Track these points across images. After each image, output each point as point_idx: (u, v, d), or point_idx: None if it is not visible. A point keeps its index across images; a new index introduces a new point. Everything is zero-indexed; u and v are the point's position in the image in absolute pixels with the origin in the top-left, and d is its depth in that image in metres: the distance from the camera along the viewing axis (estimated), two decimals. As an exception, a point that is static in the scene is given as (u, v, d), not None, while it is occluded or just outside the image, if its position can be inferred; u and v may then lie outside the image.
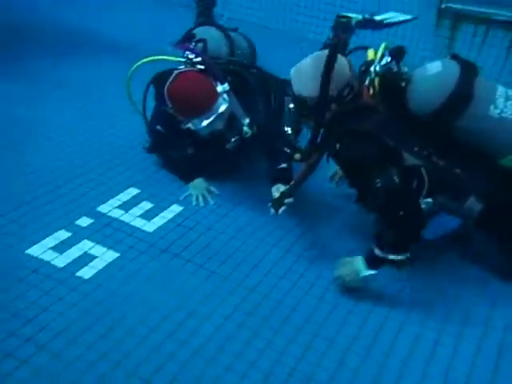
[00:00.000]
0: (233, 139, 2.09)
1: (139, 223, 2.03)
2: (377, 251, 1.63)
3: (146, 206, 2.13)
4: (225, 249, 1.94)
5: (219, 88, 1.99)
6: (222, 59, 2.23)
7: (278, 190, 1.97)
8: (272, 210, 1.90)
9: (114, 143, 2.53)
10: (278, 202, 1.89)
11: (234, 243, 1.97)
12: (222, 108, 1.99)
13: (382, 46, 1.65)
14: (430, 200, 1.67)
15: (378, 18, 2.17)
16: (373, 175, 1.56)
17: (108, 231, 1.96)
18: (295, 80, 1.61)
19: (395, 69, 1.59)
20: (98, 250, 1.87)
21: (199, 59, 2.03)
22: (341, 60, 1.53)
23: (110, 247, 1.88)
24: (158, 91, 2.17)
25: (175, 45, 2.19)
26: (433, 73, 1.59)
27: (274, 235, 2.03)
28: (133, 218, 2.05)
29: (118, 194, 2.17)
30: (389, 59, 1.58)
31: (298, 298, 1.74)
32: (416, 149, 1.61)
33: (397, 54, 1.59)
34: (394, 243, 1.62)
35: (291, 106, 1.67)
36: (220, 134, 2.09)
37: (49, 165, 2.31)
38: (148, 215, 2.07)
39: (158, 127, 2.23)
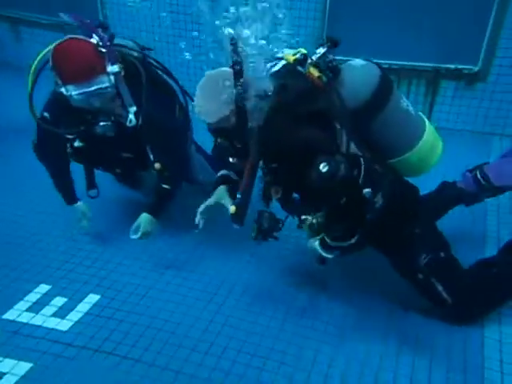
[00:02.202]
0: (102, 123, 2.02)
1: (52, 323, 1.91)
2: (329, 241, 1.72)
3: (59, 302, 2.02)
4: (147, 332, 1.87)
5: (108, 68, 1.92)
6: (130, 49, 2.17)
7: (219, 198, 1.87)
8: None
9: (17, 238, 2.41)
10: (238, 214, 1.72)
11: (156, 324, 1.91)
12: (103, 85, 1.91)
13: (301, 50, 1.68)
14: (368, 190, 1.61)
15: None
16: (314, 161, 1.53)
17: (17, 340, 1.83)
18: (207, 113, 1.62)
19: (330, 57, 1.65)
20: (6, 364, 1.72)
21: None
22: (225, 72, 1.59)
23: (20, 358, 1.75)
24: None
25: (71, 15, 2.06)
26: (361, 64, 1.69)
27: (203, 309, 2.00)
28: (45, 318, 1.93)
29: (26, 295, 2.05)
30: (323, 50, 1.65)
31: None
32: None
33: (331, 44, 1.66)
34: (343, 232, 1.69)
35: (219, 141, 1.70)
36: (95, 113, 2.01)
37: None
38: (62, 312, 1.96)
39: (45, 113, 2.13)
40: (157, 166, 2.13)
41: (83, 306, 2.00)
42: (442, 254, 1.81)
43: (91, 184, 2.42)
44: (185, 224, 2.22)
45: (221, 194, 1.88)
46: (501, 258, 1.96)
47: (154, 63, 2.27)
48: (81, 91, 1.89)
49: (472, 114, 3.49)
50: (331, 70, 1.63)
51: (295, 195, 1.82)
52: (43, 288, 2.10)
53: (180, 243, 2.39)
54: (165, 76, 2.32)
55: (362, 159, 1.61)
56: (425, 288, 1.83)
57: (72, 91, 1.90)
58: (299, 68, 1.65)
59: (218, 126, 1.64)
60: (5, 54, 4.71)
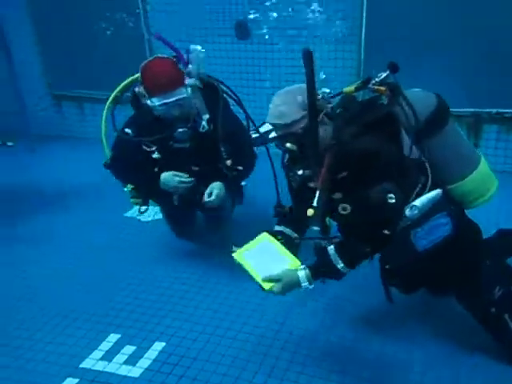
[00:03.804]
0: (181, 129, 2.34)
1: (125, 371, 2.03)
2: (332, 252, 1.70)
3: (129, 350, 2.16)
4: (213, 378, 1.96)
5: (187, 80, 2.30)
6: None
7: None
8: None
9: (87, 290, 2.61)
10: (317, 215, 1.67)
11: (221, 370, 2.00)
12: (182, 95, 2.26)
13: (358, 82, 1.79)
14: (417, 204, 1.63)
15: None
16: (381, 180, 1.57)
17: (95, 387, 1.96)
18: (281, 115, 1.68)
19: (391, 79, 1.72)
20: (87, 409, 1.85)
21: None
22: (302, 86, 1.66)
23: (99, 404, 1.87)
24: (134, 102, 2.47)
25: (158, 36, 2.45)
26: (419, 89, 1.79)
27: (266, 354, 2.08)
28: (117, 366, 2.06)
29: (99, 345, 2.20)
30: (384, 74, 1.72)
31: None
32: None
33: (392, 68, 1.72)
34: (358, 256, 1.71)
35: (288, 146, 1.71)
36: (172, 123, 2.34)
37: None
38: (132, 360, 2.09)
39: (126, 129, 2.45)
40: (228, 162, 2.42)
41: (151, 354, 2.13)
42: None
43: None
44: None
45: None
46: None
47: (227, 90, 2.58)
48: (164, 101, 2.25)
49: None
50: (393, 89, 1.70)
51: None
52: (113, 337, 2.25)
53: (238, 291, 2.51)
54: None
55: (427, 164, 1.67)
56: (496, 325, 1.80)
57: (156, 102, 2.26)
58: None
59: (287, 130, 1.69)
60: (71, 128, 5.24)
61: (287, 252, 1.82)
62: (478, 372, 1.88)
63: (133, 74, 2.53)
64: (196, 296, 2.51)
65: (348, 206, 1.70)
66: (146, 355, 2.12)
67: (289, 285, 1.73)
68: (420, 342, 2.07)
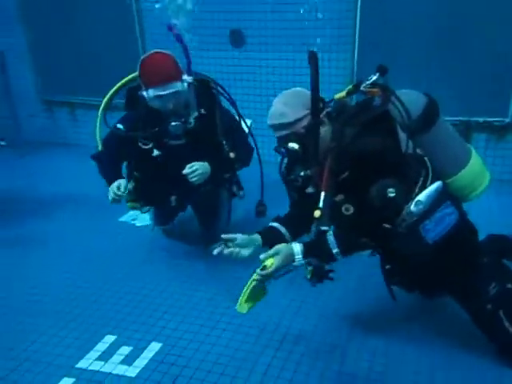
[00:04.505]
0: (174, 123, 2.38)
1: (121, 370, 2.04)
2: (331, 238, 1.71)
3: (125, 350, 2.17)
4: (208, 378, 1.98)
5: (184, 76, 2.36)
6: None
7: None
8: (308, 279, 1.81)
9: (83, 293, 2.61)
10: (324, 216, 1.71)
11: (217, 369, 2.02)
12: (178, 89, 2.32)
13: (349, 87, 1.84)
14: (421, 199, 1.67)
15: None
16: (382, 174, 1.60)
17: (91, 386, 1.97)
18: (283, 114, 1.72)
19: (381, 81, 1.78)
20: (84, 408, 1.86)
21: None
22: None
23: (96, 402, 1.88)
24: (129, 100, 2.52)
25: (170, 27, 2.49)
26: (408, 90, 1.80)
27: (261, 353, 2.10)
28: (114, 366, 2.07)
29: (95, 346, 2.21)
30: (374, 77, 1.77)
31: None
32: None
33: (381, 71, 1.79)
34: (356, 246, 1.75)
35: (290, 146, 1.73)
36: (166, 115, 2.38)
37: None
38: (128, 360, 2.10)
39: (119, 125, 2.50)
40: (232, 155, 2.49)
41: (147, 354, 2.14)
42: (510, 286, 1.83)
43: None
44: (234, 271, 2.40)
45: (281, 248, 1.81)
46: None
47: (221, 90, 2.65)
48: (159, 93, 2.30)
49: (507, 165, 3.62)
50: (385, 90, 1.76)
51: None
52: (109, 338, 2.25)
53: (232, 292, 2.53)
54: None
55: (426, 158, 1.71)
56: (490, 321, 1.83)
57: (151, 93, 2.31)
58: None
59: (290, 130, 1.73)
60: (64, 135, 5.25)
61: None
62: (473, 373, 1.91)
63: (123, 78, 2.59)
64: (192, 298, 2.53)
65: (351, 207, 1.73)
66: (142, 355, 2.13)
67: (285, 256, 1.74)
68: (413, 344, 2.11)
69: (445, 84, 3.45)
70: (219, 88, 2.62)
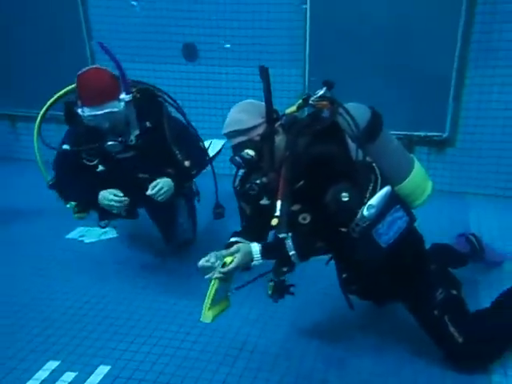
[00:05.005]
0: (110, 142, 2.30)
1: (64, 398, 1.89)
2: (288, 242, 1.69)
3: (69, 377, 2.00)
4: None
5: (122, 95, 2.25)
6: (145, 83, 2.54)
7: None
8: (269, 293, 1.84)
9: (23, 317, 2.41)
10: (282, 223, 1.69)
11: (170, 390, 1.91)
12: (113, 109, 2.22)
13: (299, 101, 1.90)
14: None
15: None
16: (335, 180, 1.63)
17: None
18: (238, 121, 1.75)
19: (328, 95, 1.85)
20: None
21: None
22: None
23: None
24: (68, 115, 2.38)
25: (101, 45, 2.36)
26: (353, 103, 1.86)
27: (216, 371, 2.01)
28: (56, 394, 1.91)
29: (33, 375, 2.02)
30: (321, 91, 1.84)
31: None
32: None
33: (328, 85, 1.85)
34: (312, 250, 1.73)
35: (246, 152, 1.74)
36: (103, 133, 2.30)
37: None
38: (72, 386, 1.95)
39: (64, 146, 2.40)
40: (187, 163, 2.43)
41: (94, 378, 1.99)
42: (455, 292, 1.89)
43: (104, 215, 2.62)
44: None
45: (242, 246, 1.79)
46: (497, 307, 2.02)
47: (166, 97, 2.58)
48: (93, 113, 2.21)
49: (446, 176, 3.80)
50: (333, 102, 1.83)
51: None
52: (52, 364, 2.08)
53: (188, 310, 2.43)
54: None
55: (374, 165, 1.77)
56: (437, 327, 1.86)
57: (86, 112, 2.21)
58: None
59: (246, 137, 1.74)
60: (5, 149, 4.95)
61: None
62: (422, 378, 1.93)
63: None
64: (143, 316, 2.39)
65: (308, 216, 1.74)
66: (88, 380, 1.98)
67: (245, 254, 1.73)
68: (368, 351, 2.10)
69: (390, 101, 3.57)
70: (165, 96, 2.57)
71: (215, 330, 2.24)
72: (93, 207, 2.52)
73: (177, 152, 2.44)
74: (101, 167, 2.42)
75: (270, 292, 1.85)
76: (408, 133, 3.70)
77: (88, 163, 2.42)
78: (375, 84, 3.62)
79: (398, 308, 2.07)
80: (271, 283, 1.85)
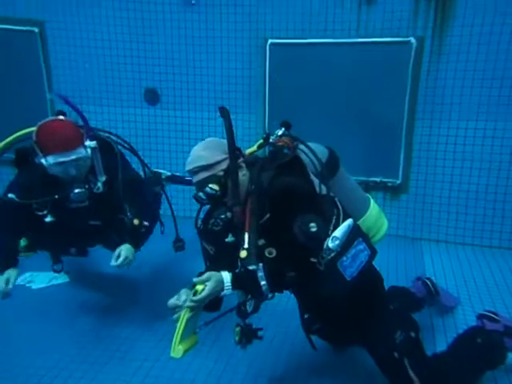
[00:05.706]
0: (77, 190, 2.26)
1: None
2: (259, 272, 1.64)
3: None
4: None
5: (86, 142, 2.24)
6: (104, 130, 2.55)
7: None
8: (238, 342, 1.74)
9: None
10: (251, 255, 1.65)
11: None
12: (80, 155, 2.20)
13: (260, 140, 1.99)
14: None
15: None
16: (301, 212, 1.62)
17: None
18: (200, 159, 1.74)
19: (287, 133, 1.95)
20: None
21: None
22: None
23: None
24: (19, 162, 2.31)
25: (59, 95, 2.39)
26: (312, 142, 1.92)
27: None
28: None
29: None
30: (280, 131, 1.94)
31: None
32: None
33: (285, 126, 1.96)
34: (283, 282, 1.68)
35: (210, 187, 1.73)
36: (69, 181, 2.25)
37: None
38: None
39: (10, 194, 2.28)
40: (136, 221, 2.35)
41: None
42: (413, 335, 1.87)
43: (57, 258, 2.58)
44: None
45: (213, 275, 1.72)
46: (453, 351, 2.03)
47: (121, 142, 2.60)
48: (60, 160, 2.16)
49: (402, 221, 3.93)
50: (294, 139, 1.91)
51: None
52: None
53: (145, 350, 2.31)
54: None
55: (336, 199, 1.80)
56: (396, 370, 1.83)
57: (51, 160, 2.15)
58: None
59: (209, 172, 1.74)
60: None
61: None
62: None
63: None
64: (99, 358, 2.26)
65: (273, 250, 1.72)
66: None
67: (216, 283, 1.66)
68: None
69: (347, 147, 3.73)
70: (120, 141, 2.55)
71: (170, 377, 2.13)
72: (42, 248, 2.41)
73: (126, 208, 2.38)
74: (49, 218, 2.33)
75: (237, 338, 1.75)
76: (364, 178, 3.84)
77: (38, 213, 2.32)
78: (333, 131, 3.77)
79: (356, 351, 2.05)
80: (237, 328, 1.76)
